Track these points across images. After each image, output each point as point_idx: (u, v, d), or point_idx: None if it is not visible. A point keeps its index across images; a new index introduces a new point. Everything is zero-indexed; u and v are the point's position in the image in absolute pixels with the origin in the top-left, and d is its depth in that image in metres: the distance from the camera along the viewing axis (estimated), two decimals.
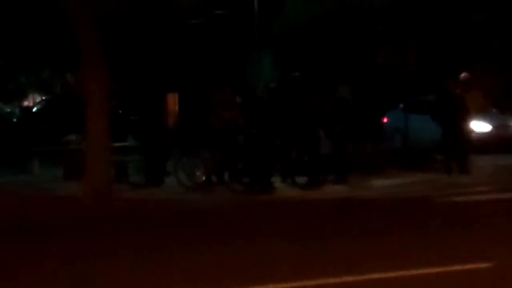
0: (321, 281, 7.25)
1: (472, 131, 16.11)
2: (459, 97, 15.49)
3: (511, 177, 15.02)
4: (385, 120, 20.23)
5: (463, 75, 16.05)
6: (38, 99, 29.84)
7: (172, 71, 26.62)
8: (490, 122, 18.63)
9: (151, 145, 15.06)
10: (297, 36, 24.48)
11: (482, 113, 17.65)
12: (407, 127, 17.13)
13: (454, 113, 15.34)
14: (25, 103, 29.64)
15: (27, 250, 9.11)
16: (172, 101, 27.06)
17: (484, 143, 17.76)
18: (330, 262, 8.05)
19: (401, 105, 19.13)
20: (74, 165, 14.79)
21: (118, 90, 17.75)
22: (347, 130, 14.64)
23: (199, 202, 13.20)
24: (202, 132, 15.13)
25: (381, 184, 14.48)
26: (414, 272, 7.50)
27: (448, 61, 22.51)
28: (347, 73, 21.40)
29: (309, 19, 23.95)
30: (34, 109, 24.84)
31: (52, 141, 17.47)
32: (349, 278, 7.29)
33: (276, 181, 14.36)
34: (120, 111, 16.74)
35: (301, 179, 14.24)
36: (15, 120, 24.84)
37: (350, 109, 14.76)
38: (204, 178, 14.62)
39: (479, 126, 18.01)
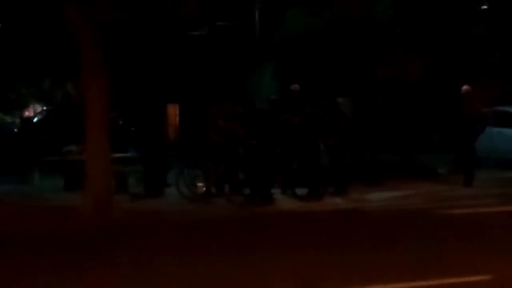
0: None
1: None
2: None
3: (511, 190, 15.04)
4: None
5: (464, 88, 16.02)
6: (38, 109, 29.90)
7: (173, 82, 26.66)
8: None
9: (152, 156, 15.07)
10: (298, 48, 24.53)
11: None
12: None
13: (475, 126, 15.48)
14: (26, 114, 29.69)
15: (26, 261, 9.10)
16: (173, 112, 27.08)
17: None
18: (332, 273, 8.05)
19: None
20: (74, 176, 14.77)
21: (119, 100, 17.78)
22: (344, 142, 14.63)
23: (199, 213, 13.19)
24: (203, 144, 15.14)
25: (381, 196, 14.47)
26: (413, 284, 7.50)
27: (450, 73, 22.54)
28: (347, 85, 21.42)
29: (310, 31, 23.98)
30: (35, 120, 24.91)
31: (53, 151, 17.49)
32: None
33: (276, 193, 14.37)
34: (121, 122, 16.77)
35: (301, 191, 14.24)
36: (16, 130, 24.87)
37: (347, 121, 14.77)
38: (204, 189, 14.62)
39: None
